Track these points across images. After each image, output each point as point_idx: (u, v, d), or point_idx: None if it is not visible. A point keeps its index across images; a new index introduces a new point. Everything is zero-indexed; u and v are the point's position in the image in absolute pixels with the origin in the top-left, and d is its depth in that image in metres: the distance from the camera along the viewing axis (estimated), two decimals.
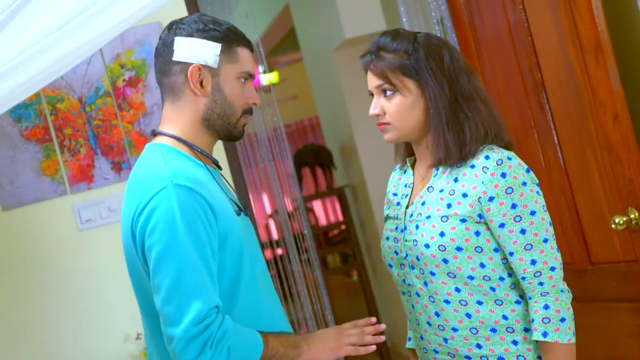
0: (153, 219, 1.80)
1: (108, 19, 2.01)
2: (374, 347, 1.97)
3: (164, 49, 1.96)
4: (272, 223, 5.95)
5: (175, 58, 1.93)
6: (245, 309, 1.89)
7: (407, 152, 2.16)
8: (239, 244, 1.89)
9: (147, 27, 3.19)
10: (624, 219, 2.60)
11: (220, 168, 2.06)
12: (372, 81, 2.03)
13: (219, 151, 3.25)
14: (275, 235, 5.71)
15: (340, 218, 7.00)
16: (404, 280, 2.06)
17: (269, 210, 5.85)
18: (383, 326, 1.97)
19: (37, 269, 3.12)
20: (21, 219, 3.12)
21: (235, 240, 1.88)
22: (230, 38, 1.95)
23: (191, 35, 1.93)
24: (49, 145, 3.14)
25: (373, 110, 2.03)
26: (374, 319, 1.99)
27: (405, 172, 2.17)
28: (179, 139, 1.94)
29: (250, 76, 1.99)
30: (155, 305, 1.82)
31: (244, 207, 2.04)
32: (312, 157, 6.79)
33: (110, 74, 3.19)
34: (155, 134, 1.98)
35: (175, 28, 1.96)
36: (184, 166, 1.87)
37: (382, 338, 1.96)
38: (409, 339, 2.24)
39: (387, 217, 2.15)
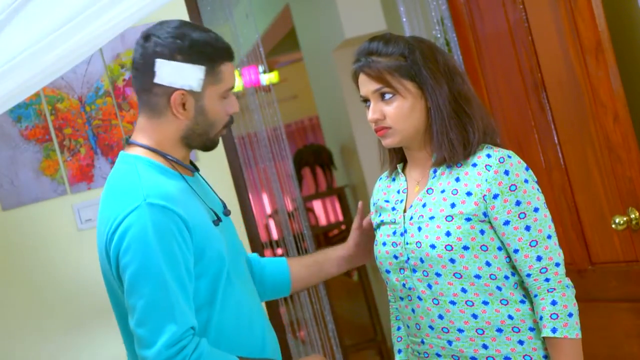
0: (126, 239, 1.77)
1: (108, 19, 2.00)
2: None
3: (144, 66, 1.88)
4: (272, 223, 5.95)
5: (157, 81, 1.86)
6: (224, 311, 1.88)
7: (397, 159, 2.14)
8: (217, 255, 1.86)
9: (147, 27, 3.18)
10: (625, 218, 2.60)
11: (197, 170, 2.02)
12: (369, 86, 2.00)
13: (219, 151, 3.24)
14: (275, 235, 5.71)
15: (340, 218, 7.00)
16: (404, 285, 2.03)
17: (269, 210, 5.85)
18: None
19: (36, 268, 3.11)
20: (21, 219, 3.12)
21: (213, 252, 1.85)
22: (213, 57, 1.87)
23: (173, 58, 1.85)
24: (48, 145, 3.14)
25: (372, 115, 1.99)
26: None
27: (394, 179, 2.14)
28: (153, 150, 1.89)
29: (232, 88, 1.93)
30: (130, 326, 1.80)
31: (224, 209, 2.01)
32: (312, 157, 6.79)
33: (110, 74, 3.19)
34: (129, 143, 1.94)
35: (154, 44, 1.87)
36: (158, 181, 1.84)
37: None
38: (399, 351, 2.22)
39: (381, 223, 2.12)
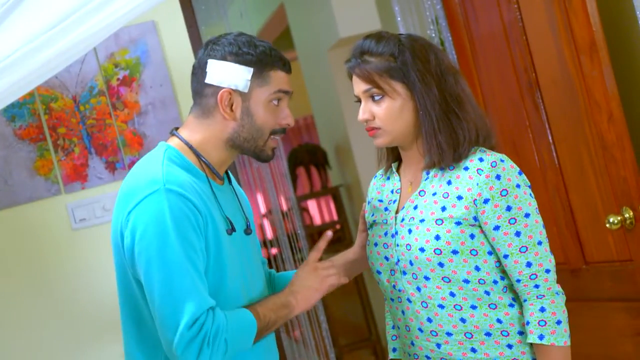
0: (143, 222, 1.80)
1: (102, 18, 2.00)
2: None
3: (199, 69, 1.96)
4: (266, 223, 5.94)
5: (207, 80, 1.93)
6: None
7: (393, 157, 2.13)
8: (221, 264, 1.88)
9: (141, 26, 3.18)
10: (619, 218, 2.60)
11: (230, 182, 2.05)
12: (359, 86, 2.00)
13: None
14: (269, 234, 5.70)
15: (335, 218, 6.99)
16: (394, 287, 2.03)
17: (263, 210, 5.85)
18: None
19: (31, 268, 3.11)
20: (15, 219, 3.11)
21: (218, 258, 1.87)
22: (263, 62, 1.93)
23: (224, 59, 1.92)
24: (42, 145, 3.13)
25: (362, 115, 2.00)
26: (329, 233, 2.03)
27: (389, 178, 2.13)
28: (190, 147, 1.94)
29: (286, 93, 1.97)
30: (151, 310, 1.83)
31: (246, 228, 2.01)
32: (307, 157, 6.78)
33: (104, 73, 3.18)
34: (172, 134, 1.99)
35: (210, 49, 1.95)
36: (179, 173, 1.87)
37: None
38: (394, 349, 2.22)
39: (374, 223, 2.11)
